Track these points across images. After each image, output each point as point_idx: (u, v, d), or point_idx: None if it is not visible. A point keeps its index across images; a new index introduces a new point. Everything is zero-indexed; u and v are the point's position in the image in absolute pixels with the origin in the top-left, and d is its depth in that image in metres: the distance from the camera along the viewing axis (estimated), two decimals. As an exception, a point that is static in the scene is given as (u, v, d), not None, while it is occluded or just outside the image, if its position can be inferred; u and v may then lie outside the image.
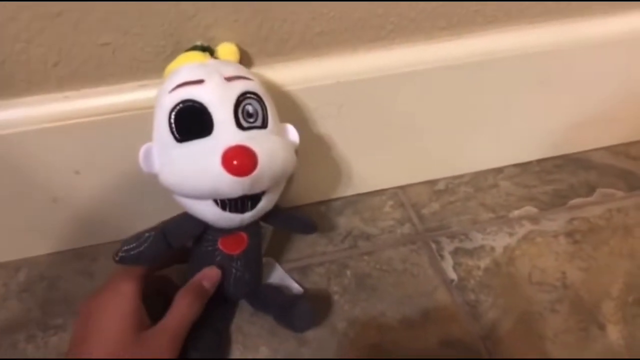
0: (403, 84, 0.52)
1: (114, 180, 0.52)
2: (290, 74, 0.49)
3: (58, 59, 0.44)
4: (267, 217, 0.48)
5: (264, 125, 0.42)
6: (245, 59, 0.47)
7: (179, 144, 0.40)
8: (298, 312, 0.47)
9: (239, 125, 0.40)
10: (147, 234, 0.44)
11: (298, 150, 0.45)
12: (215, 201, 0.42)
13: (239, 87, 0.41)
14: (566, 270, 0.55)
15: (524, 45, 0.53)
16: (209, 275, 0.47)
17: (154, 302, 0.45)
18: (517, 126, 0.61)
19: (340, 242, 0.58)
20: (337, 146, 0.56)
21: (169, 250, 0.45)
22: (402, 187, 0.64)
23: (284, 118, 0.45)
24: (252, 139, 0.39)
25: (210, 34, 0.45)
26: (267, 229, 0.57)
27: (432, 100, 0.55)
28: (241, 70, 0.43)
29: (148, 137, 0.42)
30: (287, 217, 0.52)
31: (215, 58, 0.44)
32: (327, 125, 0.53)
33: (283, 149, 0.42)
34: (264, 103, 0.42)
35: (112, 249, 0.41)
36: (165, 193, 0.43)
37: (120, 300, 0.42)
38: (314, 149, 0.55)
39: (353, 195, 0.63)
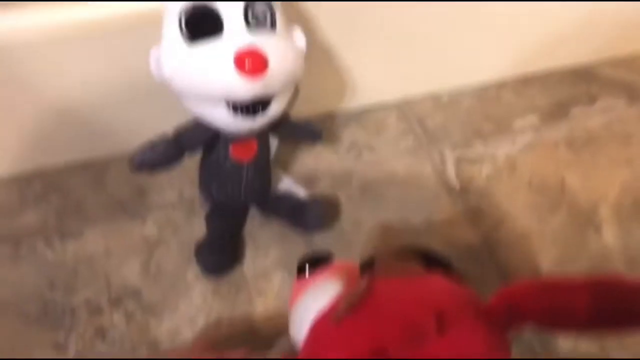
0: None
1: (120, 89, 0.52)
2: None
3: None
4: (275, 125, 0.49)
5: (272, 27, 0.42)
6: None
7: (189, 46, 0.40)
8: (311, 211, 0.49)
9: (249, 25, 0.40)
10: (160, 141, 0.45)
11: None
12: (227, 105, 0.42)
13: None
14: (565, 176, 0.57)
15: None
16: None
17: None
18: (520, 36, 0.61)
19: (345, 153, 0.59)
20: (341, 55, 0.56)
21: (182, 156, 0.46)
22: (406, 101, 0.64)
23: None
24: (262, 40, 0.40)
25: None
26: (274, 143, 0.58)
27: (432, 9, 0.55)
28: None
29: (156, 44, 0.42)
30: (294, 126, 0.53)
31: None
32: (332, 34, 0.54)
33: (292, 51, 0.42)
34: (272, 5, 0.42)
35: (120, 160, 0.41)
36: (174, 103, 0.43)
37: None
38: (318, 57, 0.55)
39: (357, 109, 0.63)
